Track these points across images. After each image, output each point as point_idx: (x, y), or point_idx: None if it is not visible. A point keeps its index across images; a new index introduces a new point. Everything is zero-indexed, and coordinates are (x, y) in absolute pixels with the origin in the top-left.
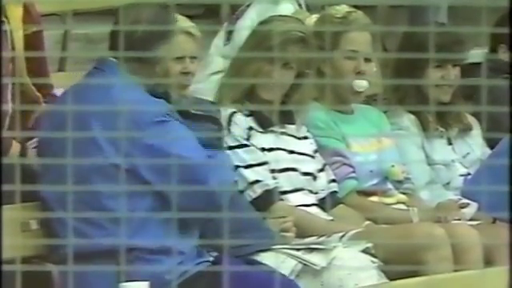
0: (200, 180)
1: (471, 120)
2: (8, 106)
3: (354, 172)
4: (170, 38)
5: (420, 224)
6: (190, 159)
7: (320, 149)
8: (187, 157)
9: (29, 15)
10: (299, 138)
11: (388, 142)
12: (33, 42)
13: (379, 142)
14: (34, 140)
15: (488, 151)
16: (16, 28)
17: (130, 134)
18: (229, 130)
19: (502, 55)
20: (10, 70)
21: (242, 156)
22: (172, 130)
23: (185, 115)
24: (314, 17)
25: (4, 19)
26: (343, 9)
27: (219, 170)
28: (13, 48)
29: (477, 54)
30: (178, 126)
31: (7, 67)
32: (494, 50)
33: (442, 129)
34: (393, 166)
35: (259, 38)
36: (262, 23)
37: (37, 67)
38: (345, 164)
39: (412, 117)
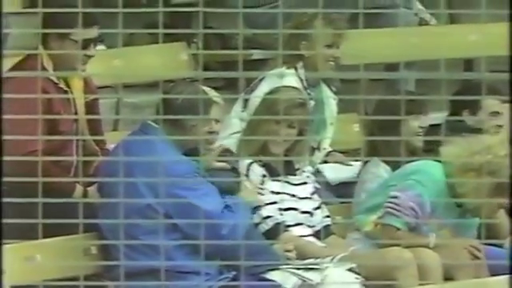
0: (216, 229)
1: None
2: (73, 158)
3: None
4: (205, 108)
5: (392, 249)
6: (210, 212)
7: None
8: (208, 210)
9: (88, 86)
10: (299, 185)
11: None
12: (91, 107)
13: None
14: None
15: None
16: (78, 96)
17: (167, 183)
18: (247, 176)
19: (463, 118)
20: (74, 129)
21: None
22: (197, 185)
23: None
24: None
25: (69, 89)
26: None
27: (232, 220)
28: (76, 112)
29: (437, 117)
30: (202, 182)
31: (71, 127)
32: (455, 113)
33: None
34: None
35: (268, 104)
36: (269, 93)
37: (95, 127)
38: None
39: (387, 167)
